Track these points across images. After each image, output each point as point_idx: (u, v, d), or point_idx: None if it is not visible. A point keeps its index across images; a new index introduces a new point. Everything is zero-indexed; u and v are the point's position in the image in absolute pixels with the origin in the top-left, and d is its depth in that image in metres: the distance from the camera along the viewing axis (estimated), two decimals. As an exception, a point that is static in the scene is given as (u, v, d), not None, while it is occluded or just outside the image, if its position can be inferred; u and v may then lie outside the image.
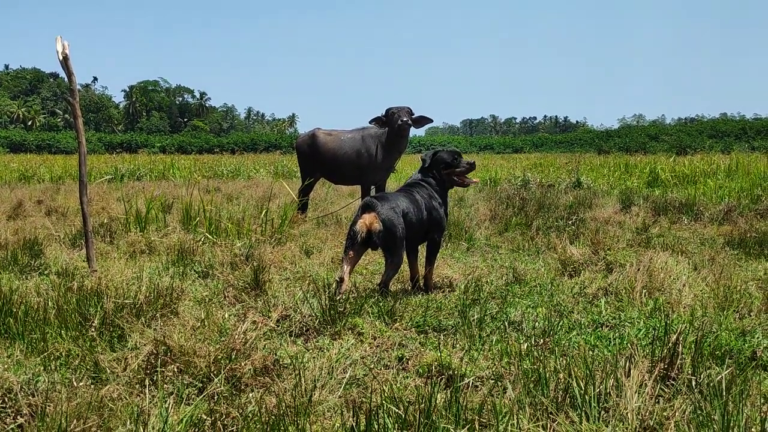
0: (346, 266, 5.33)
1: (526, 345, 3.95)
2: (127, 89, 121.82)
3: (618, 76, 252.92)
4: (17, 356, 3.81)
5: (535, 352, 3.78)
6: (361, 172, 10.00)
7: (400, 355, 3.95)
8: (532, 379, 3.33)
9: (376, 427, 2.82)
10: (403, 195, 5.79)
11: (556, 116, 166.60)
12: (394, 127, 9.55)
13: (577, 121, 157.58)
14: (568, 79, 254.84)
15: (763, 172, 16.34)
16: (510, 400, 3.14)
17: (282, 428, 2.89)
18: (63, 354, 3.85)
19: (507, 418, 2.93)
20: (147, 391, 3.28)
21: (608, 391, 3.09)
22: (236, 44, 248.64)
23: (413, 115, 9.64)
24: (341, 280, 5.24)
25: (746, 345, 4.00)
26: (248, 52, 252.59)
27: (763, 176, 15.52)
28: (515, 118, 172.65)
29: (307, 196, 10.52)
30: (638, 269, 5.52)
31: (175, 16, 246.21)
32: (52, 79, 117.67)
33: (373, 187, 10.19)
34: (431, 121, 10.05)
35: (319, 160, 10.26)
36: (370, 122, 9.90)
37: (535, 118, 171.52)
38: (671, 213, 10.63)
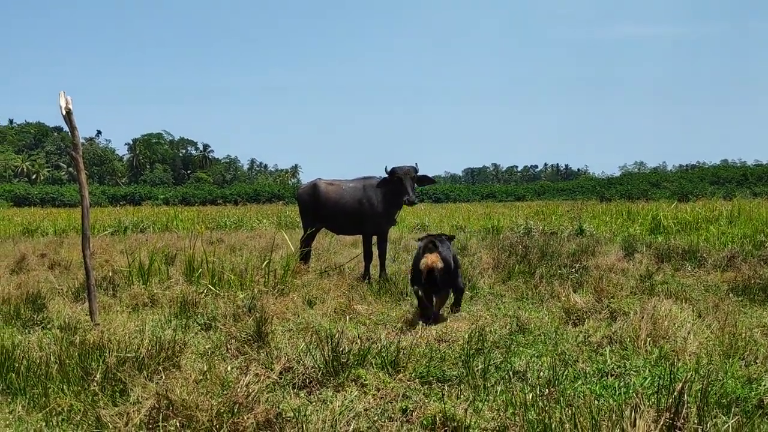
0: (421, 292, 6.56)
1: (531, 395, 3.92)
2: (131, 142, 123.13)
3: (618, 123, 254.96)
4: (19, 412, 3.79)
5: (541, 403, 3.75)
6: (363, 222, 10.03)
7: (404, 407, 3.92)
8: (538, 430, 3.30)
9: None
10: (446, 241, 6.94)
11: (557, 164, 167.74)
12: (398, 185, 9.58)
13: (578, 169, 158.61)
14: (568, 127, 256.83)
15: (766, 217, 16.38)
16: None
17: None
18: (65, 409, 3.83)
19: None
20: (149, 446, 3.25)
21: (614, 441, 3.07)
22: (239, 96, 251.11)
23: (417, 172, 9.69)
24: (427, 318, 6.47)
25: (753, 393, 3.97)
26: (251, 104, 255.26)
27: (766, 222, 15.56)
28: (517, 167, 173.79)
29: (309, 246, 10.55)
30: (642, 317, 5.51)
31: (178, 69, 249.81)
32: (56, 133, 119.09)
33: (376, 238, 10.21)
34: (433, 182, 10.25)
35: (320, 209, 10.32)
36: (377, 185, 9.86)
37: (536, 166, 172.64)
38: (674, 260, 10.63)
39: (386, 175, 9.68)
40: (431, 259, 6.42)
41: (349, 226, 10.34)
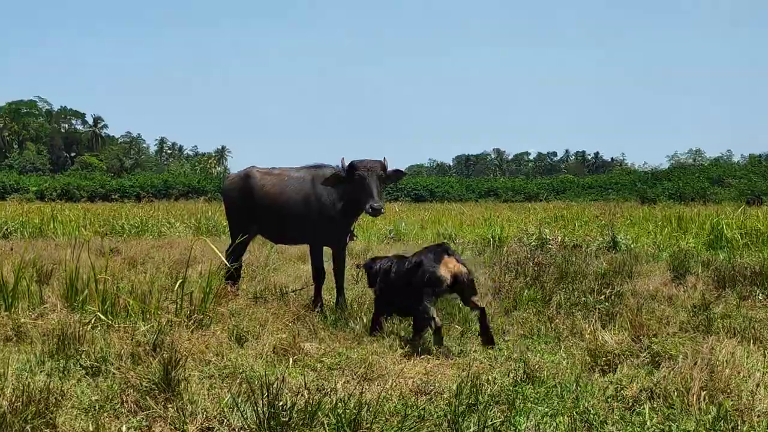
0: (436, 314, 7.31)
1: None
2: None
3: (667, 98, 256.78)
4: None
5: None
6: (310, 227, 9.91)
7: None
8: None
9: None
10: None
11: (583, 152, 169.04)
12: (358, 187, 9.36)
13: (612, 159, 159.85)
14: (599, 102, 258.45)
15: None
16: None
17: None
18: None
19: None
20: None
21: None
22: (143, 52, 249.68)
23: (386, 169, 9.53)
24: (439, 328, 7.24)
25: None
26: (161, 63, 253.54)
27: None
28: (528, 154, 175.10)
29: (239, 259, 10.47)
30: (695, 363, 5.56)
31: (60, 16, 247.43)
32: None
33: (330, 251, 10.08)
34: (402, 175, 10.04)
35: (255, 209, 10.18)
36: (323, 183, 9.63)
37: (555, 153, 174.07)
38: (740, 285, 10.72)
39: (341, 170, 9.47)
40: (453, 264, 7.49)
41: (293, 232, 10.19)
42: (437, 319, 7.30)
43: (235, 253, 10.35)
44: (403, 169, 9.89)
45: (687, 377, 5.41)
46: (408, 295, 7.61)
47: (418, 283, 7.48)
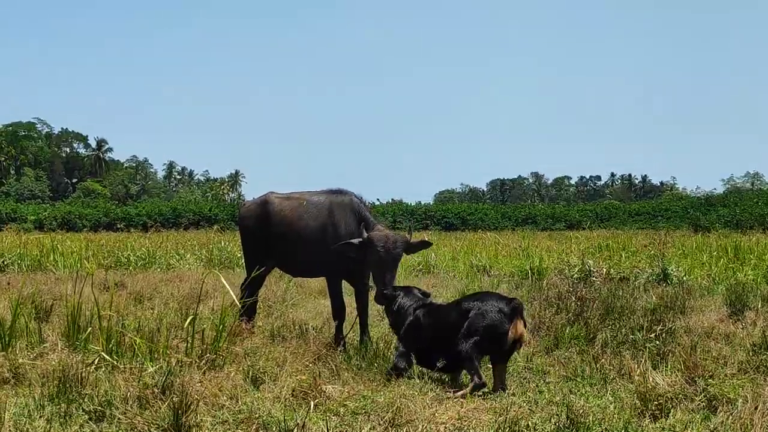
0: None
1: None
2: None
3: (722, 117, 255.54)
4: None
5: None
6: (326, 258, 9.86)
7: None
8: None
9: None
10: None
11: (629, 175, 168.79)
12: (372, 263, 9.37)
13: (661, 183, 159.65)
14: (646, 121, 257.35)
15: None
16: None
17: None
18: None
19: None
20: None
21: None
22: (151, 72, 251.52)
23: (410, 240, 9.53)
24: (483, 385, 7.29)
25: None
26: (169, 82, 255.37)
27: None
28: (569, 178, 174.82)
29: (255, 294, 10.49)
30: (756, 407, 5.53)
31: (60, 31, 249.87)
32: None
33: (352, 287, 10.09)
34: (430, 245, 10.27)
35: (272, 237, 10.18)
36: (333, 247, 9.61)
37: (599, 177, 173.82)
38: (805, 321, 10.66)
39: (358, 235, 9.48)
40: (521, 328, 7.67)
41: (309, 263, 10.19)
42: (483, 377, 7.45)
43: (252, 287, 10.31)
44: (429, 240, 10.03)
45: (747, 423, 5.38)
46: (451, 344, 7.66)
47: (475, 333, 7.55)
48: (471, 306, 7.84)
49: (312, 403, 6.71)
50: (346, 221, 9.69)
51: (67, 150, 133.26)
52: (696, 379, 6.88)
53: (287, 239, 10.09)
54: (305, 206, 10.08)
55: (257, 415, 6.20)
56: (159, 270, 22.03)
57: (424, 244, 9.91)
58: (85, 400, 6.64)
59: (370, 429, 5.92)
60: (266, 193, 10.64)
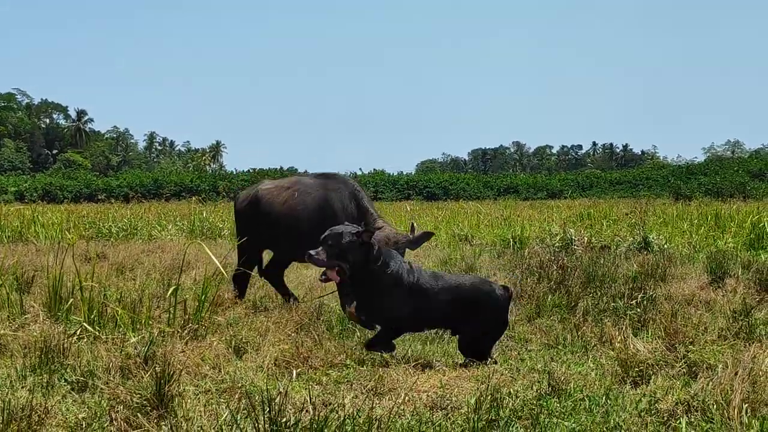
0: None
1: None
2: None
3: (703, 85, 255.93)
4: None
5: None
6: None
7: None
8: None
9: None
10: None
11: (611, 144, 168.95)
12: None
13: (642, 152, 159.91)
14: (628, 90, 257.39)
15: None
16: None
17: None
18: None
19: None
20: None
21: None
22: (131, 42, 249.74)
23: (412, 239, 9.53)
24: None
25: None
26: (149, 53, 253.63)
27: None
28: (551, 147, 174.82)
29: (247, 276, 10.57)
30: (736, 373, 5.55)
31: (41, 1, 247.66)
32: None
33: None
34: (432, 235, 10.24)
35: (264, 225, 10.25)
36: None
37: (580, 146, 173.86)
38: (785, 287, 10.71)
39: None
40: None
41: (299, 244, 10.22)
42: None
43: (244, 276, 10.55)
44: (431, 231, 10.05)
45: (727, 388, 5.39)
46: (453, 318, 7.61)
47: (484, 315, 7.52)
48: (471, 283, 7.84)
49: (294, 372, 6.73)
50: (343, 202, 9.72)
51: (47, 121, 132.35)
52: (676, 345, 6.91)
53: (281, 225, 10.13)
54: (298, 192, 10.10)
55: (240, 385, 6.20)
56: (140, 241, 21.95)
57: (427, 236, 9.86)
58: (68, 370, 6.62)
59: (352, 397, 5.92)
60: (259, 182, 10.74)
